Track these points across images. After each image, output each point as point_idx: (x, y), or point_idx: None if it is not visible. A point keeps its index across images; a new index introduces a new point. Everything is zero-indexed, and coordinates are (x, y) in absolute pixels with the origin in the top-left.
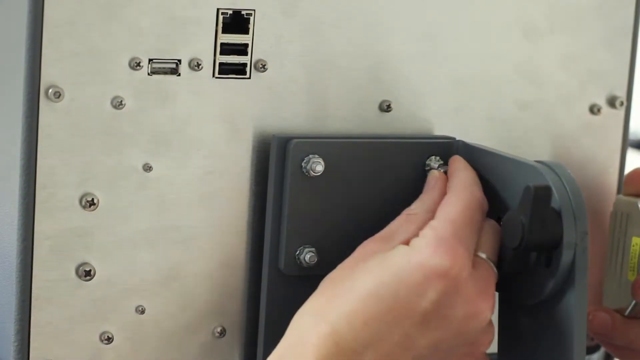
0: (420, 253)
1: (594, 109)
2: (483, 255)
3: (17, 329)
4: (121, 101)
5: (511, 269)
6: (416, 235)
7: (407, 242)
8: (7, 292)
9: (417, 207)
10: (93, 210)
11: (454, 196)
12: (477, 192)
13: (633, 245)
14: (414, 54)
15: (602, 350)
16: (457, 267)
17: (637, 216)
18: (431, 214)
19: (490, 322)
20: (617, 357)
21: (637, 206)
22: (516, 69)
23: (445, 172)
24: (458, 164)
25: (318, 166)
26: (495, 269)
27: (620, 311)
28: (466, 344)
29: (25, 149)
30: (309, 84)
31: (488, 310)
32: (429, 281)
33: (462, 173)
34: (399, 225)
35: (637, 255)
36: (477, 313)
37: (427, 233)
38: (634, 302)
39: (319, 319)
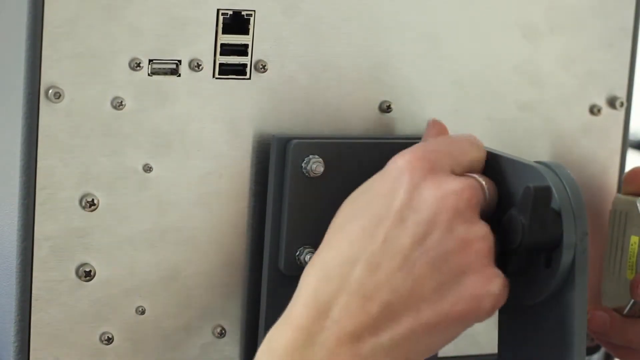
0: (389, 164)
1: (594, 110)
2: (473, 175)
3: (17, 329)
4: (121, 102)
5: (511, 270)
6: None
7: None
8: (7, 293)
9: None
10: (93, 210)
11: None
12: (468, 135)
13: (632, 244)
14: (414, 55)
15: (603, 350)
16: (421, 157)
17: (635, 215)
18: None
19: (478, 219)
20: (616, 356)
21: (636, 205)
22: (516, 69)
23: None
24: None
25: (318, 167)
26: (486, 187)
27: (619, 310)
28: (452, 238)
29: (25, 149)
30: (309, 84)
31: (460, 191)
32: (397, 180)
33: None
34: None
35: (635, 254)
36: (446, 194)
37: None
38: (632, 301)
39: (310, 267)
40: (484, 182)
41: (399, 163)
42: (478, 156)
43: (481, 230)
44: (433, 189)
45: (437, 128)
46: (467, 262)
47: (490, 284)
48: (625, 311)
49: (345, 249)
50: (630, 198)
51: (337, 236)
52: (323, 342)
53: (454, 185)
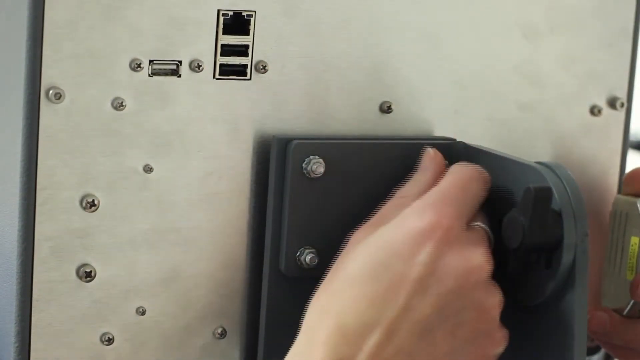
0: (406, 221)
1: (594, 110)
2: (478, 224)
3: (18, 330)
4: (122, 102)
5: (511, 270)
6: None
7: None
8: (7, 293)
9: (408, 190)
10: (93, 211)
11: (449, 174)
12: (477, 168)
13: (632, 245)
14: (414, 55)
15: (603, 351)
16: (444, 223)
17: (636, 216)
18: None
19: (494, 284)
20: (616, 357)
21: (636, 206)
22: (516, 69)
23: None
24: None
25: (319, 167)
26: (490, 234)
27: (619, 311)
28: (472, 307)
29: (25, 150)
30: (310, 85)
31: (485, 263)
32: (419, 245)
33: (463, 164)
34: (389, 210)
35: (635, 255)
36: (473, 267)
37: (416, 203)
38: (632, 301)
39: (323, 315)
40: (489, 230)
41: (421, 225)
42: (485, 191)
43: (496, 298)
44: (458, 261)
45: (436, 162)
46: (483, 329)
47: (499, 346)
48: (625, 312)
49: (364, 311)
50: (630, 199)
51: (354, 293)
52: None
53: (478, 257)
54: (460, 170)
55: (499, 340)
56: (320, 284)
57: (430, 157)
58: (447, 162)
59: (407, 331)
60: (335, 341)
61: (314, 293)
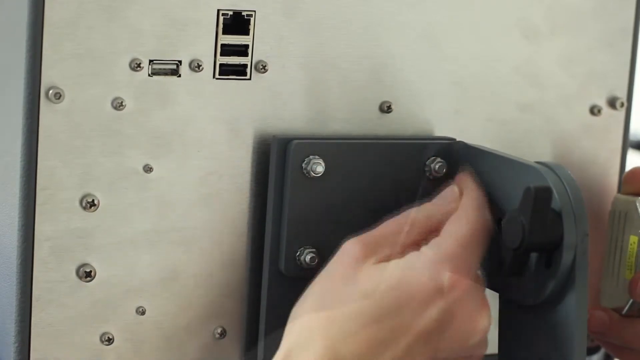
0: (424, 269)
1: (594, 110)
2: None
3: (18, 330)
4: (121, 102)
5: (512, 270)
6: (409, 244)
7: (399, 252)
8: (7, 293)
9: (417, 213)
10: (93, 211)
11: (465, 216)
12: (487, 214)
13: (631, 244)
14: (414, 55)
15: (603, 351)
16: (461, 287)
17: (635, 215)
18: (432, 223)
19: (485, 337)
20: (614, 356)
21: (635, 205)
22: (516, 70)
23: (445, 173)
24: (468, 182)
25: (318, 167)
26: (482, 277)
27: (618, 310)
28: (462, 355)
29: (25, 150)
30: (310, 85)
31: (487, 325)
32: (432, 299)
33: (474, 193)
34: (392, 229)
35: (634, 254)
36: (477, 330)
37: (433, 249)
38: (631, 300)
39: (317, 335)
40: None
41: (437, 282)
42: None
43: (484, 349)
44: (466, 325)
45: (454, 200)
46: None
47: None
48: (624, 311)
49: (362, 349)
50: (629, 198)
51: (353, 326)
52: None
53: (484, 321)
54: (475, 216)
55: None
56: (309, 291)
57: (455, 194)
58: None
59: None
60: None
61: (301, 298)
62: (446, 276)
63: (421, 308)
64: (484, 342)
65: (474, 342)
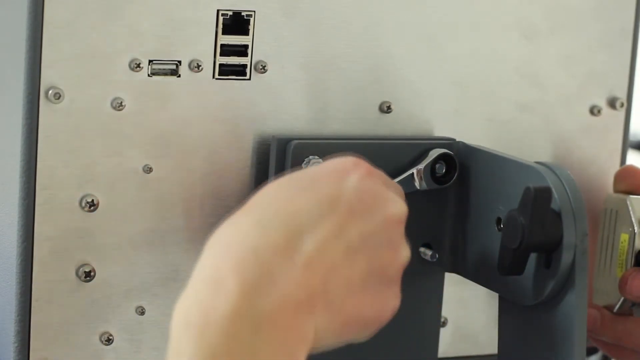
0: (327, 162)
1: (594, 110)
2: None
3: (17, 329)
4: (121, 102)
5: (511, 270)
6: None
7: None
8: (7, 293)
9: None
10: (93, 211)
11: None
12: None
13: (622, 242)
14: (414, 55)
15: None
16: (365, 164)
17: (625, 213)
18: None
19: (405, 240)
20: (606, 353)
21: (626, 203)
22: (516, 70)
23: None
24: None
25: None
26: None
27: (610, 307)
28: (389, 244)
29: (25, 150)
30: (309, 85)
31: (404, 207)
32: (346, 169)
33: None
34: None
35: (625, 252)
36: (390, 198)
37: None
38: (622, 298)
39: (229, 248)
40: None
41: (344, 161)
42: None
43: (406, 251)
44: (383, 194)
45: None
46: (390, 275)
47: (396, 302)
48: (616, 309)
49: (293, 219)
50: (621, 196)
51: (279, 205)
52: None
53: (399, 202)
54: None
55: (395, 297)
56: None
57: None
58: None
59: (334, 246)
60: (254, 238)
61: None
62: (350, 158)
63: (339, 178)
64: (404, 239)
65: (392, 274)
